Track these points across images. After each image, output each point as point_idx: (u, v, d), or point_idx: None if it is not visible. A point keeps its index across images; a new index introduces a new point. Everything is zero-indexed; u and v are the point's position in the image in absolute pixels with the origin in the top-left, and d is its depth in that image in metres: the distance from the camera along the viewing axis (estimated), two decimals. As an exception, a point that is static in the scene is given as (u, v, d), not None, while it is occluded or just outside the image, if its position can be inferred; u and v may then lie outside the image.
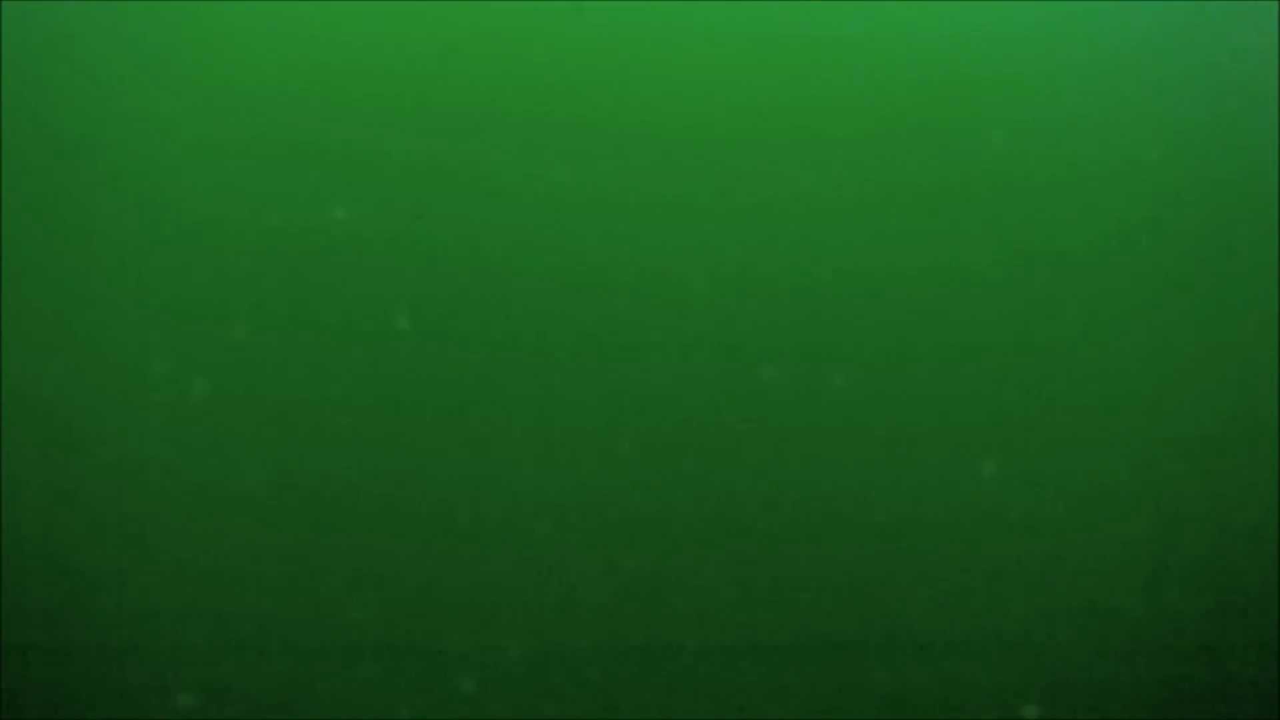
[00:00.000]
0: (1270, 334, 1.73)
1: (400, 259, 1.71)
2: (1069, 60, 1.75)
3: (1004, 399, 1.72)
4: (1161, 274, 1.74)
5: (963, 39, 1.75)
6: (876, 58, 1.75)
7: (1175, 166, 1.75)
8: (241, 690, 1.66)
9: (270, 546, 1.67)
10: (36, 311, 1.68)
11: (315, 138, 1.72)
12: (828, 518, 1.70)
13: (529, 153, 1.72)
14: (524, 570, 1.69)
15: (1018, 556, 1.70)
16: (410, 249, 1.71)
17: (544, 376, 1.70)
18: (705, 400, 1.71)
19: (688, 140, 1.73)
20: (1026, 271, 1.73)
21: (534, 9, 1.74)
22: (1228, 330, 1.73)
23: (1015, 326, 1.72)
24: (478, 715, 1.67)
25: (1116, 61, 1.76)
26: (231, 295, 1.69)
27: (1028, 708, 1.69)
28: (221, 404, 1.68)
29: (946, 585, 1.69)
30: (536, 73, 1.74)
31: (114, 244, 1.69)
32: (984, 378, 1.72)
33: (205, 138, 1.71)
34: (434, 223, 1.71)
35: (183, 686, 1.66)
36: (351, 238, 1.71)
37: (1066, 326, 1.72)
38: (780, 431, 1.70)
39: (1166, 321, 1.73)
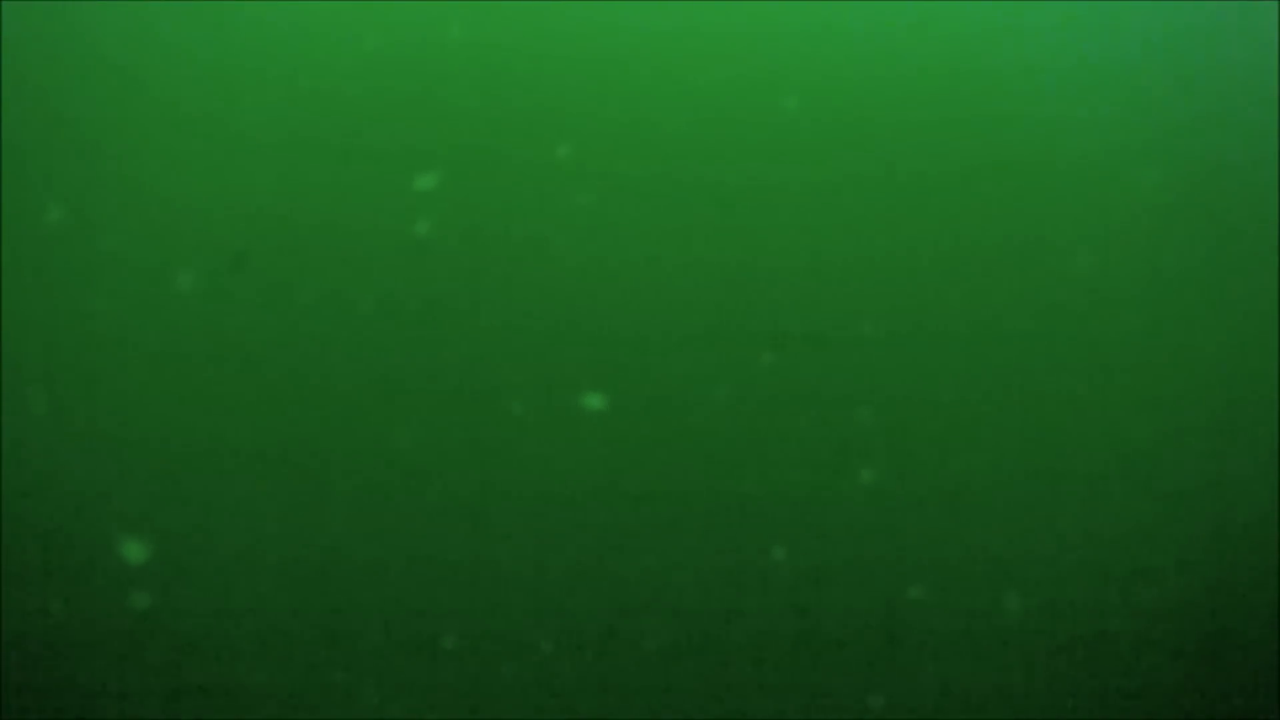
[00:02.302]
0: (1270, 334, 1.73)
1: (399, 254, 1.71)
2: (1070, 59, 1.76)
3: (1001, 395, 1.72)
4: (1162, 272, 1.74)
5: (965, 39, 1.76)
6: (880, 56, 1.75)
7: (1175, 166, 1.75)
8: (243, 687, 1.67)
9: (273, 536, 1.68)
10: (37, 311, 1.69)
11: (315, 136, 1.72)
12: (830, 505, 1.70)
13: (536, 141, 1.73)
14: (531, 560, 1.69)
15: (1015, 552, 1.70)
16: (410, 246, 1.72)
17: (542, 370, 1.71)
18: (708, 391, 1.71)
19: (685, 139, 1.74)
20: (1027, 269, 1.73)
21: (537, 9, 1.75)
22: (1227, 329, 1.73)
23: (1015, 322, 1.73)
24: (476, 711, 1.67)
25: (1117, 61, 1.76)
26: (236, 289, 1.70)
27: (1025, 706, 1.69)
28: (226, 397, 1.69)
29: (943, 581, 1.69)
30: (544, 69, 1.75)
31: (115, 239, 1.70)
32: (982, 371, 1.72)
33: (216, 134, 1.72)
34: (435, 219, 1.72)
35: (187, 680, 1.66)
36: (351, 235, 1.71)
37: (1066, 323, 1.73)
38: (780, 422, 1.71)
39: (1166, 319, 1.73)
